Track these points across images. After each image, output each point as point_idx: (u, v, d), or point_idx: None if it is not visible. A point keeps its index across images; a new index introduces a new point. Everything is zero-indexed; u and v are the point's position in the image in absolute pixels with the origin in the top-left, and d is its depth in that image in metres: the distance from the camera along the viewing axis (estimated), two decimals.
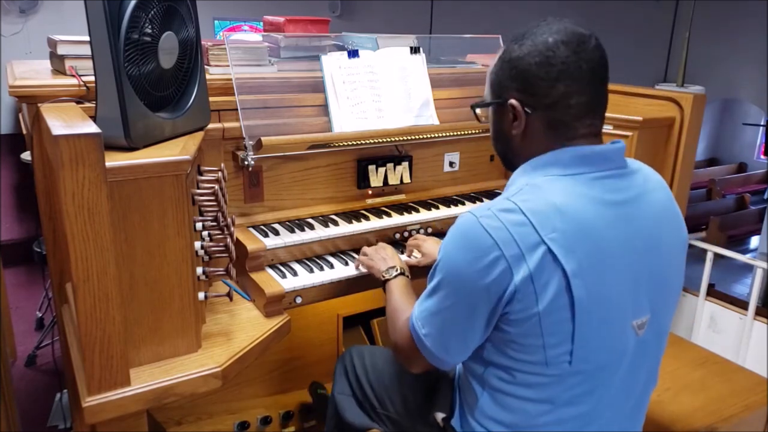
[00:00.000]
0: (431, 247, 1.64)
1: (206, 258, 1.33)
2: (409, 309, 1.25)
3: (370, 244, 1.72)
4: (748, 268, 6.84)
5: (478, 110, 1.21)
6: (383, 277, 1.47)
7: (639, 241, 1.04)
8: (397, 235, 1.86)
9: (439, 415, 1.28)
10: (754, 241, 8.87)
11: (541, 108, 1.06)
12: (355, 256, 1.69)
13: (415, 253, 1.69)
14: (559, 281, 0.97)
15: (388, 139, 1.84)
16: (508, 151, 1.15)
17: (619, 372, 1.07)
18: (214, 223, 1.31)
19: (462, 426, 1.21)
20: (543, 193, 1.01)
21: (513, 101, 1.08)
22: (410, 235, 1.88)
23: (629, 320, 1.05)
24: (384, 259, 1.53)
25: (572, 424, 1.07)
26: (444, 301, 1.07)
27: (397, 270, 1.46)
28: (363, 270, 1.63)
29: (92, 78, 1.26)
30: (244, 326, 1.44)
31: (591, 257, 0.98)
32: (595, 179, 1.03)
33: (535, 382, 1.04)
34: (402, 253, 1.73)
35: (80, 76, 1.47)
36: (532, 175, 1.06)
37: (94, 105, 1.25)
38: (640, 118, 1.86)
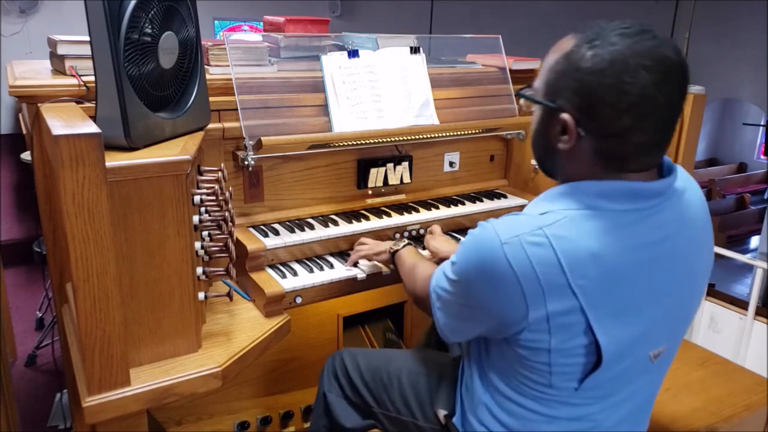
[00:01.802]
0: (440, 245, 1.62)
1: (206, 258, 1.33)
2: (427, 267, 1.30)
3: None
4: (748, 268, 6.85)
5: (522, 100, 1.06)
6: (392, 249, 1.52)
7: (671, 278, 0.99)
8: (397, 235, 1.86)
9: (441, 412, 1.28)
10: (754, 241, 8.87)
11: (597, 135, 0.92)
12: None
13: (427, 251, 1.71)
14: (578, 325, 0.92)
15: (388, 139, 1.84)
16: (548, 161, 1.04)
17: (627, 393, 1.06)
18: (214, 223, 1.31)
19: (463, 424, 1.21)
20: (580, 232, 0.91)
21: (566, 117, 0.93)
22: (410, 235, 1.88)
23: (647, 351, 1.02)
24: (386, 242, 1.58)
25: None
26: (456, 300, 1.06)
27: (404, 242, 1.51)
28: (360, 273, 1.63)
29: (92, 78, 1.26)
30: (244, 326, 1.44)
31: (617, 303, 0.93)
32: (641, 218, 0.94)
33: (538, 396, 1.03)
34: (423, 250, 1.74)
35: (80, 76, 1.47)
36: (572, 201, 0.95)
37: (94, 105, 1.25)
38: None
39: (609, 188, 0.94)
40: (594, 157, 0.95)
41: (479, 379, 1.14)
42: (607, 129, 0.91)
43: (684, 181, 1.05)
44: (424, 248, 1.75)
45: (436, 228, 1.71)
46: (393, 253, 1.52)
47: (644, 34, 0.89)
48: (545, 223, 0.92)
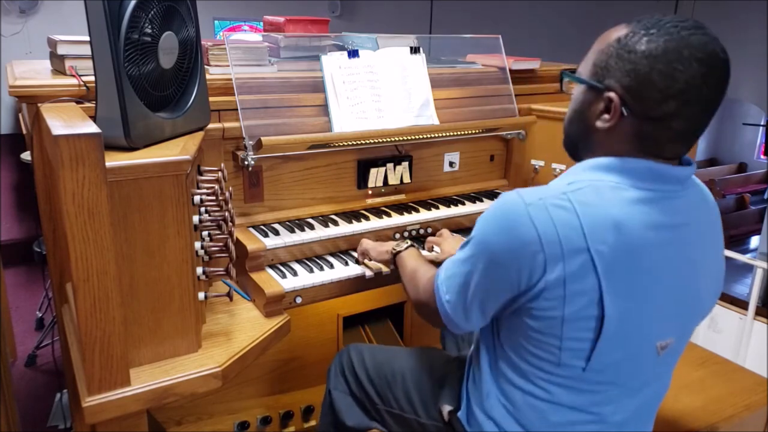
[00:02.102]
0: (451, 246, 1.63)
1: (206, 258, 1.33)
2: (429, 270, 1.28)
3: None
4: (748, 268, 6.84)
5: (564, 82, 1.11)
6: (394, 251, 1.50)
7: (684, 267, 1.01)
8: (397, 235, 1.86)
9: (446, 408, 1.28)
10: (754, 241, 8.87)
11: (640, 116, 0.96)
12: (356, 255, 1.69)
13: (436, 248, 1.71)
14: (591, 293, 0.93)
15: (388, 139, 1.84)
16: (581, 140, 1.07)
17: (633, 387, 1.06)
18: (214, 223, 1.31)
19: (468, 418, 1.21)
20: (604, 200, 0.94)
21: (613, 95, 0.97)
22: (410, 236, 1.88)
23: (653, 341, 1.03)
24: (389, 243, 1.57)
25: (579, 426, 1.07)
26: (472, 275, 1.04)
27: (407, 243, 1.49)
28: (369, 271, 1.63)
29: (92, 78, 1.26)
30: (244, 326, 1.44)
31: (631, 278, 0.95)
32: (661, 199, 0.98)
33: (546, 380, 1.04)
34: (423, 248, 1.74)
35: (80, 76, 1.47)
36: (598, 174, 0.99)
37: (94, 105, 1.25)
38: None
39: (636, 165, 0.98)
40: (631, 138, 0.98)
41: (489, 369, 1.14)
42: (650, 112, 0.95)
43: (698, 179, 1.10)
44: (425, 249, 1.75)
45: (446, 231, 1.72)
46: (395, 255, 1.51)
47: (699, 29, 0.94)
48: (570, 190, 0.96)
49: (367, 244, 1.66)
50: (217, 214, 1.32)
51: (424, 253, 1.69)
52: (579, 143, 1.08)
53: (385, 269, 1.64)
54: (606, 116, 0.99)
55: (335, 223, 1.80)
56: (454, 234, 1.71)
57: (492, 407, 1.13)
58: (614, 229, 0.93)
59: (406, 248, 1.48)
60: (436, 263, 1.55)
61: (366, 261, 1.68)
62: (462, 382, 1.28)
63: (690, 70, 0.91)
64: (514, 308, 1.02)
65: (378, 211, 1.90)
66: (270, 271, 1.62)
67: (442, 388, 1.34)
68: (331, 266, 1.67)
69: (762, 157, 11.39)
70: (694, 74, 0.91)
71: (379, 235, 1.81)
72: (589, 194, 0.95)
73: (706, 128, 0.99)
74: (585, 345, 0.98)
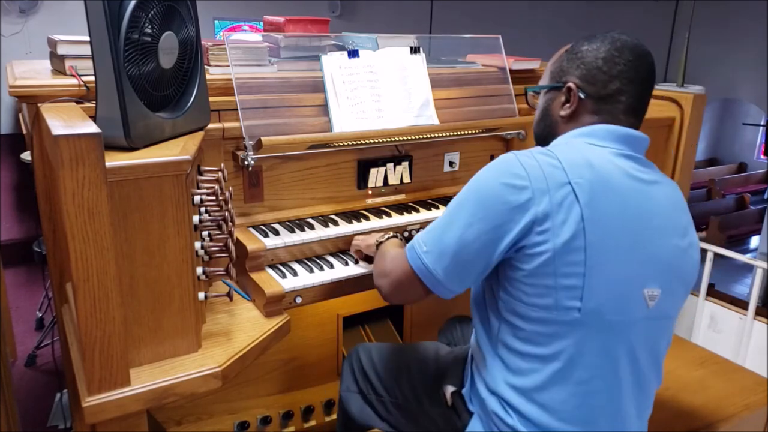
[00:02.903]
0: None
1: (206, 258, 1.33)
2: (400, 251, 1.30)
3: None
4: (748, 268, 6.85)
5: (529, 96, 1.34)
6: (378, 241, 1.53)
7: (654, 220, 1.11)
8: (397, 235, 1.85)
9: (449, 389, 1.31)
10: (754, 241, 8.88)
11: (594, 96, 1.18)
12: (356, 256, 1.69)
13: None
14: (576, 223, 1.04)
15: (388, 139, 1.84)
16: (550, 132, 1.26)
17: (626, 341, 1.10)
18: (214, 223, 1.31)
19: (471, 396, 1.24)
20: (578, 150, 1.12)
21: (572, 84, 1.20)
22: (410, 235, 1.88)
23: (640, 286, 1.10)
24: (374, 234, 1.61)
25: (582, 394, 1.09)
26: (457, 218, 1.11)
27: (390, 235, 1.54)
28: (363, 269, 1.63)
29: (92, 78, 1.26)
30: (244, 326, 1.44)
31: (609, 210, 1.06)
32: (625, 156, 1.14)
33: (544, 333, 1.08)
34: None
35: (80, 76, 1.47)
36: (572, 139, 1.18)
37: (94, 105, 1.25)
38: None
39: (595, 128, 1.18)
40: (591, 115, 1.20)
41: (488, 341, 1.18)
42: (602, 91, 1.18)
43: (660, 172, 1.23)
44: None
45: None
46: (377, 245, 1.52)
47: (625, 35, 1.20)
48: (552, 147, 1.16)
49: (357, 240, 1.68)
50: (217, 214, 1.32)
51: None
52: (548, 137, 1.26)
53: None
54: (567, 105, 1.21)
55: (335, 223, 1.80)
56: None
57: (494, 380, 1.16)
58: (588, 167, 1.08)
59: (388, 239, 1.52)
60: None
61: (361, 257, 1.68)
62: (465, 365, 1.33)
63: (624, 56, 1.17)
64: (509, 255, 1.08)
65: (378, 211, 1.90)
66: (270, 271, 1.62)
67: (446, 373, 1.38)
68: (331, 266, 1.67)
69: (762, 157, 11.39)
70: (629, 59, 1.16)
71: None
72: (565, 146, 1.15)
73: (646, 107, 1.22)
74: (577, 281, 1.04)
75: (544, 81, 1.29)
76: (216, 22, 5.56)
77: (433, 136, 1.93)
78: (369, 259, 1.66)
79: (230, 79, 1.67)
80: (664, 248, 1.12)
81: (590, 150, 1.13)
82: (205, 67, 1.64)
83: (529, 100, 1.35)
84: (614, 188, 1.08)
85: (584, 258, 1.04)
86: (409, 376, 1.46)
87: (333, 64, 1.84)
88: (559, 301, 1.05)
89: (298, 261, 1.70)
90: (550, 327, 1.08)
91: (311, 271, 1.63)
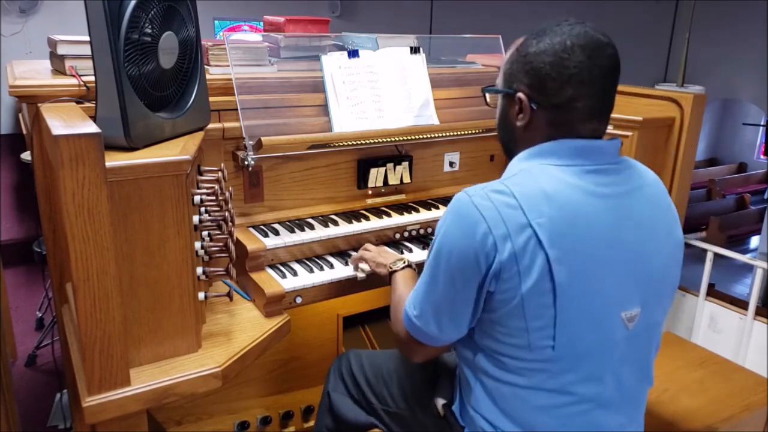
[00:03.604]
0: None
1: (206, 258, 1.33)
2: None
3: None
4: (748, 268, 6.84)
5: (488, 96, 1.26)
6: (390, 269, 1.47)
7: (629, 234, 1.06)
8: (397, 235, 1.86)
9: (440, 401, 1.30)
10: (754, 241, 8.87)
11: (547, 106, 1.08)
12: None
13: None
14: (542, 265, 0.99)
15: (388, 139, 1.84)
16: (510, 140, 1.18)
17: (608, 363, 1.08)
18: (214, 223, 1.31)
19: (462, 412, 1.23)
20: (535, 179, 1.04)
21: (521, 95, 1.10)
22: (410, 235, 1.88)
23: (617, 311, 1.06)
24: (390, 255, 1.56)
25: (566, 416, 1.08)
26: (437, 278, 1.10)
27: (405, 262, 1.46)
28: (360, 273, 1.63)
29: (92, 78, 1.26)
30: (244, 326, 1.44)
31: (576, 244, 1.01)
32: (588, 172, 1.06)
33: (522, 367, 1.06)
34: (402, 253, 1.75)
35: (80, 76, 1.47)
36: (528, 162, 1.09)
37: (94, 105, 1.25)
38: (640, 118, 1.86)
39: (556, 146, 1.08)
40: (547, 128, 1.10)
41: (469, 368, 1.16)
42: (553, 99, 1.07)
43: (641, 168, 1.17)
44: (423, 248, 1.76)
45: None
46: (390, 273, 1.46)
47: (579, 25, 1.07)
48: (505, 178, 1.09)
49: (367, 254, 1.59)
50: (217, 214, 1.32)
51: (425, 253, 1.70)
52: (510, 145, 1.19)
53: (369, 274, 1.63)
54: (521, 115, 1.12)
55: (335, 223, 1.80)
56: None
57: (477, 402, 1.15)
58: (546, 200, 1.01)
59: (402, 268, 1.44)
60: None
61: (361, 264, 1.64)
62: (454, 376, 1.30)
63: (575, 56, 1.04)
64: (482, 299, 1.06)
65: (378, 211, 1.90)
66: (270, 271, 1.62)
67: (436, 383, 1.36)
68: (331, 266, 1.67)
69: (762, 157, 11.39)
70: (581, 59, 1.04)
71: (379, 235, 1.81)
72: (522, 177, 1.06)
73: (613, 103, 1.10)
74: (549, 321, 1.02)
75: (499, 80, 1.19)
76: (216, 22, 5.56)
77: (433, 136, 1.93)
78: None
79: (230, 79, 1.67)
80: (642, 263, 1.08)
81: (549, 177, 1.04)
82: (205, 67, 1.64)
83: (488, 100, 1.27)
84: (579, 218, 1.02)
85: (553, 299, 1.00)
86: (400, 383, 1.44)
87: (333, 64, 1.84)
88: (531, 342, 1.03)
89: (298, 261, 1.70)
90: (527, 362, 1.06)
91: (311, 271, 1.63)
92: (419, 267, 1.34)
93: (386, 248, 1.64)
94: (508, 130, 1.18)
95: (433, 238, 1.12)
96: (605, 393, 1.09)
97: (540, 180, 1.04)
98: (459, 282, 1.06)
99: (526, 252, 0.99)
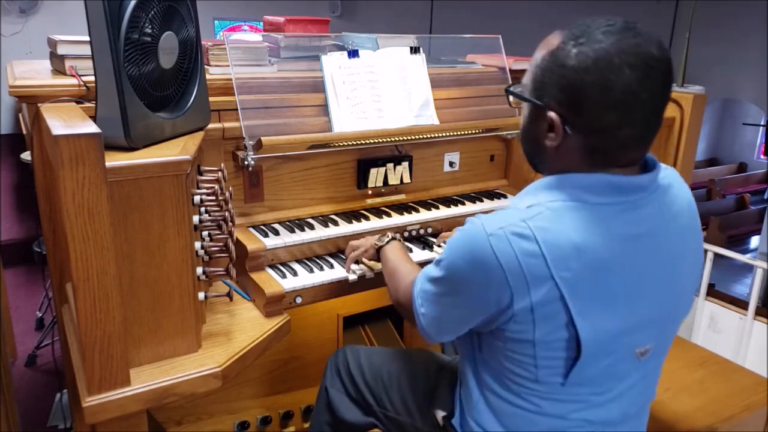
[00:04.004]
0: None
1: (206, 258, 1.33)
2: (410, 271, 1.29)
3: None
4: (748, 268, 6.84)
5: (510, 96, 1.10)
6: (376, 246, 1.51)
7: (657, 272, 1.00)
8: (397, 235, 1.85)
9: (440, 413, 1.28)
10: (754, 241, 8.87)
11: (583, 131, 0.94)
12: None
13: (443, 244, 1.74)
14: (561, 318, 0.93)
15: (388, 139, 1.84)
16: (536, 156, 1.06)
17: (616, 392, 1.06)
18: (214, 223, 1.31)
19: (462, 425, 1.21)
20: (564, 224, 0.92)
21: (553, 115, 0.95)
22: (410, 235, 1.88)
23: (633, 348, 1.02)
24: (373, 237, 1.58)
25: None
26: (444, 297, 1.07)
27: (388, 237, 1.49)
28: (353, 275, 1.63)
29: (92, 78, 1.26)
30: (244, 326, 1.44)
31: (601, 296, 0.94)
32: (622, 211, 0.96)
33: (527, 392, 1.04)
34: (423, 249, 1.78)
35: (80, 76, 1.47)
36: (556, 194, 0.97)
37: (94, 105, 1.25)
38: None
39: (592, 181, 0.95)
40: (580, 153, 0.96)
41: (474, 380, 1.14)
42: (592, 125, 0.93)
43: (671, 178, 1.07)
44: (437, 244, 1.79)
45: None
46: (378, 250, 1.52)
47: (628, 31, 0.91)
48: (529, 216, 0.94)
49: (353, 254, 1.61)
50: (217, 214, 1.32)
51: (438, 249, 1.75)
52: (535, 158, 1.07)
53: (369, 274, 1.63)
54: (552, 134, 0.97)
55: (335, 223, 1.80)
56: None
57: (481, 416, 1.13)
58: (576, 254, 0.91)
59: (388, 242, 1.49)
60: None
61: (351, 264, 1.65)
62: (455, 387, 1.28)
63: (623, 78, 0.88)
64: (488, 329, 1.03)
65: (378, 211, 1.90)
66: (270, 271, 1.62)
67: (436, 393, 1.34)
68: (331, 266, 1.67)
69: (762, 157, 11.39)
70: (629, 81, 0.88)
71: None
72: (547, 219, 0.93)
73: (658, 128, 0.96)
74: (560, 363, 0.98)
75: (526, 80, 1.03)
76: (216, 22, 5.56)
77: (433, 136, 1.93)
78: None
79: (230, 79, 1.67)
80: (665, 301, 1.02)
81: (581, 223, 0.93)
82: (205, 67, 1.64)
83: (512, 103, 1.11)
84: (606, 271, 0.93)
85: (568, 345, 0.95)
86: (400, 389, 1.42)
87: (333, 64, 1.84)
88: (540, 377, 0.99)
89: (298, 261, 1.70)
90: (532, 390, 1.03)
91: (311, 271, 1.63)
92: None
93: (367, 238, 1.65)
94: (534, 146, 1.04)
95: (443, 255, 1.04)
96: (610, 416, 1.08)
97: (569, 227, 0.92)
98: (466, 313, 1.03)
99: (544, 304, 0.92)
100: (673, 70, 0.93)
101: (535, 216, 0.93)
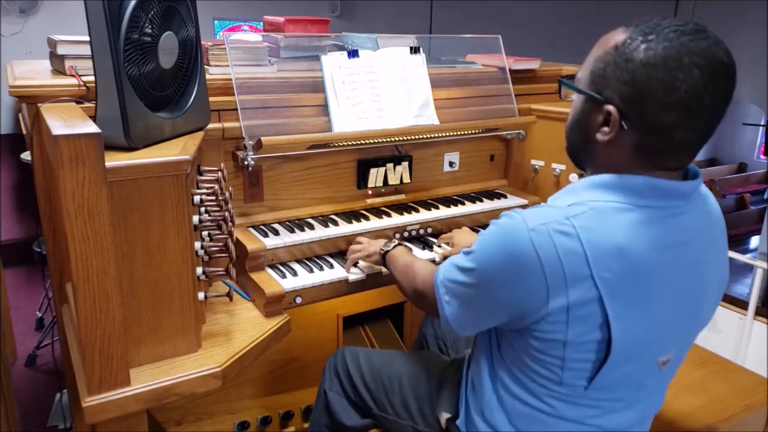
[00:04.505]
0: (463, 238, 1.68)
1: (206, 258, 1.33)
2: (425, 264, 1.31)
3: None
4: (748, 268, 6.84)
5: (564, 88, 1.07)
6: (382, 251, 1.52)
7: (688, 283, 1.00)
8: (397, 236, 1.86)
9: (444, 415, 1.27)
10: (754, 241, 8.87)
11: (640, 128, 0.93)
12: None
13: (444, 245, 1.76)
14: (596, 319, 0.93)
15: (388, 139, 1.84)
16: (582, 150, 1.04)
17: (633, 400, 1.06)
18: (214, 223, 1.31)
19: (467, 426, 1.20)
20: (607, 225, 0.92)
21: (612, 108, 0.94)
22: (410, 235, 1.88)
23: (656, 357, 1.03)
24: (378, 241, 1.59)
25: None
26: (471, 288, 1.04)
27: (395, 242, 1.52)
28: (353, 276, 1.63)
29: (92, 78, 1.26)
30: (244, 326, 1.44)
31: (637, 300, 0.94)
32: (665, 217, 0.95)
33: (545, 394, 1.04)
34: (423, 250, 1.80)
35: (80, 76, 1.47)
36: (600, 194, 0.96)
37: (94, 105, 1.25)
38: None
39: (638, 183, 0.95)
40: (632, 150, 0.95)
41: (488, 377, 1.13)
42: (651, 123, 0.92)
43: (706, 189, 1.07)
44: (437, 245, 1.78)
45: (464, 228, 1.79)
46: (384, 254, 1.52)
47: (699, 33, 0.90)
48: (572, 214, 0.93)
49: (355, 255, 1.63)
50: (217, 214, 1.32)
51: (437, 249, 1.77)
52: (580, 153, 1.05)
53: (385, 270, 1.63)
54: (605, 128, 0.96)
55: (335, 223, 1.80)
56: (468, 228, 1.73)
57: (492, 414, 1.12)
58: (618, 255, 0.90)
59: (395, 247, 1.51)
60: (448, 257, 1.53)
61: (351, 266, 1.66)
62: (460, 387, 1.26)
63: (691, 78, 0.87)
64: (514, 327, 1.01)
65: (378, 211, 1.90)
66: (270, 271, 1.62)
67: (440, 394, 1.33)
68: (331, 266, 1.67)
69: (762, 157, 11.38)
70: (696, 82, 0.87)
71: (379, 236, 1.81)
72: (591, 218, 0.92)
73: (711, 136, 0.95)
74: (588, 365, 0.97)
75: (582, 76, 1.00)
76: (216, 22, 5.56)
77: (433, 136, 1.93)
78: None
79: (230, 79, 1.67)
80: (691, 312, 1.03)
81: (625, 225, 0.92)
82: (205, 67, 1.64)
83: (563, 93, 1.08)
84: (645, 276, 0.93)
85: (599, 348, 0.94)
86: (401, 391, 1.41)
87: (333, 64, 1.84)
88: (564, 379, 0.99)
89: (298, 261, 1.70)
90: (551, 392, 1.02)
91: (311, 271, 1.63)
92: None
93: (372, 241, 1.65)
94: (582, 139, 1.02)
95: (476, 247, 1.02)
96: (623, 422, 1.08)
97: (612, 227, 0.92)
98: (494, 309, 1.01)
99: (580, 304, 0.91)
100: (736, 80, 0.92)
101: (578, 215, 0.93)
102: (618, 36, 0.95)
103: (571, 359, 0.97)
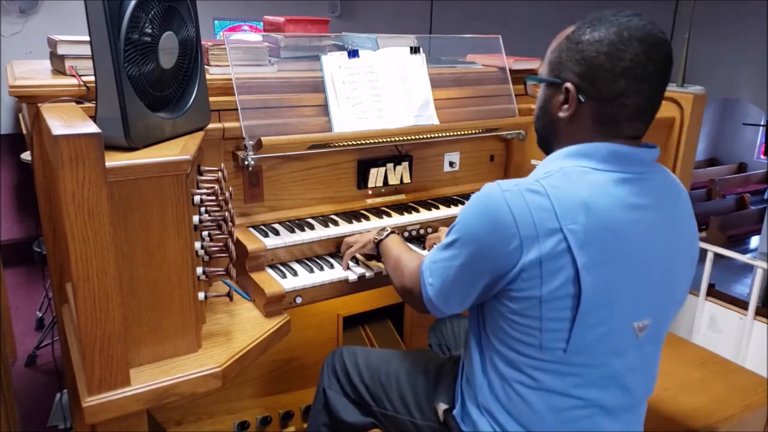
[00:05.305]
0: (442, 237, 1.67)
1: (206, 258, 1.33)
2: (414, 257, 1.35)
3: None
4: (748, 268, 6.84)
5: (529, 86, 1.20)
6: (375, 240, 1.54)
7: (655, 247, 1.06)
8: (395, 231, 1.85)
9: (441, 406, 1.29)
10: (754, 241, 8.88)
11: (595, 99, 1.04)
12: (357, 256, 1.69)
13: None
14: (567, 271, 0.98)
15: (388, 139, 1.84)
16: (549, 133, 1.15)
17: (615, 370, 1.08)
18: (214, 223, 1.31)
19: (463, 416, 1.22)
20: (573, 183, 1.01)
21: (569, 85, 1.06)
22: (410, 235, 1.88)
23: (631, 320, 1.06)
24: (370, 232, 1.61)
25: (569, 419, 1.08)
26: (454, 259, 1.10)
27: (387, 231, 1.54)
28: (353, 275, 1.63)
29: (92, 78, 1.26)
30: (244, 326, 1.44)
31: (605, 254, 1.00)
32: (625, 180, 1.03)
33: (530, 365, 1.07)
34: (423, 250, 1.78)
35: (80, 76, 1.47)
36: (566, 161, 1.06)
37: (94, 105, 1.25)
38: None
39: (600, 148, 1.05)
40: (591, 122, 1.06)
41: (479, 362, 1.16)
42: (604, 92, 1.03)
43: (669, 171, 1.16)
44: (426, 248, 1.76)
45: (443, 228, 1.77)
46: (377, 244, 1.54)
47: (635, 16, 1.04)
48: (541, 176, 1.04)
49: (349, 250, 1.64)
50: (217, 214, 1.32)
51: (424, 252, 1.72)
52: (548, 136, 1.15)
53: (369, 273, 1.63)
54: (566, 106, 1.08)
55: (335, 223, 1.80)
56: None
57: (485, 399, 1.15)
58: (584, 209, 0.99)
59: (387, 236, 1.52)
60: None
61: (350, 264, 1.66)
62: (456, 381, 1.29)
63: (632, 49, 1.00)
64: (494, 292, 1.07)
65: (378, 211, 1.90)
66: (270, 271, 1.62)
67: (437, 388, 1.36)
68: (332, 266, 1.67)
69: (762, 157, 11.39)
70: (637, 52, 1.00)
71: None
72: (559, 179, 1.02)
73: (660, 104, 1.07)
74: (564, 325, 1.02)
75: (543, 70, 1.15)
76: (216, 22, 5.56)
77: (433, 136, 1.93)
78: (368, 256, 1.66)
79: (230, 79, 1.67)
80: (661, 276, 1.08)
81: (588, 182, 1.02)
82: (205, 67, 1.64)
83: (529, 90, 1.21)
84: (612, 228, 1.00)
85: (574, 304, 1.00)
86: (399, 387, 1.43)
87: (333, 64, 1.84)
88: (543, 342, 1.03)
89: (298, 261, 1.70)
90: (535, 361, 1.06)
91: (311, 271, 1.63)
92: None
93: (363, 234, 1.66)
94: (548, 122, 1.14)
95: (456, 221, 1.11)
96: (609, 399, 1.09)
97: (578, 185, 1.01)
98: (476, 272, 1.07)
99: (552, 257, 0.98)
100: (672, 55, 1.05)
101: (546, 176, 1.03)
102: (568, 29, 1.10)
103: (547, 318, 1.01)
